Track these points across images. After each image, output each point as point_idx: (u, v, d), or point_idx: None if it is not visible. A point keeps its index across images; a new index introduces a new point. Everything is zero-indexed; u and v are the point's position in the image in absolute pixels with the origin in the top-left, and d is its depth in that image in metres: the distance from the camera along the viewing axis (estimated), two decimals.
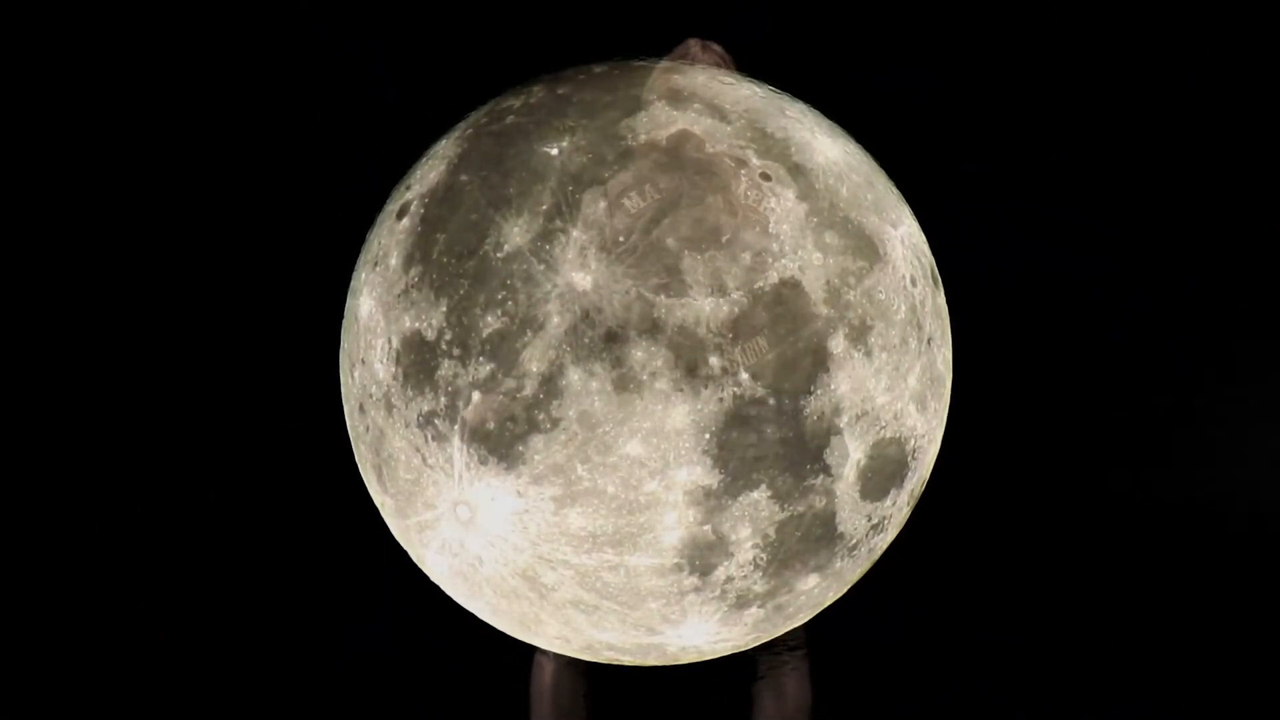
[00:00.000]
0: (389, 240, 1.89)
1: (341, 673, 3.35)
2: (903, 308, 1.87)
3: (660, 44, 2.30)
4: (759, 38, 3.33)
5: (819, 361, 1.77)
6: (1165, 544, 3.70)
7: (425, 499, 1.85)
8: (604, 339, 1.71)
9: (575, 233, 1.73)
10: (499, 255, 1.75)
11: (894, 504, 1.94)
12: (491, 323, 1.74)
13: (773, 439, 1.75)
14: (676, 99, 1.86)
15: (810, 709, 2.49)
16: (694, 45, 2.33)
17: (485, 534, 1.82)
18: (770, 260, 1.76)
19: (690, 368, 1.72)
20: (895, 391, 1.86)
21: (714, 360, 1.72)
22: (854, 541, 1.90)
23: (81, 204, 3.45)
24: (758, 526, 1.79)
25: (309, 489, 3.48)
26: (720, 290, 1.73)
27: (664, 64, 2.00)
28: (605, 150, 1.79)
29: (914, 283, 1.91)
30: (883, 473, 1.88)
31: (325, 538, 3.49)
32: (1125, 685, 3.30)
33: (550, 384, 1.72)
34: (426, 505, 1.86)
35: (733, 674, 2.43)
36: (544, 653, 2.45)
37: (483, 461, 1.76)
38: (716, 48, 2.35)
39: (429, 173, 1.91)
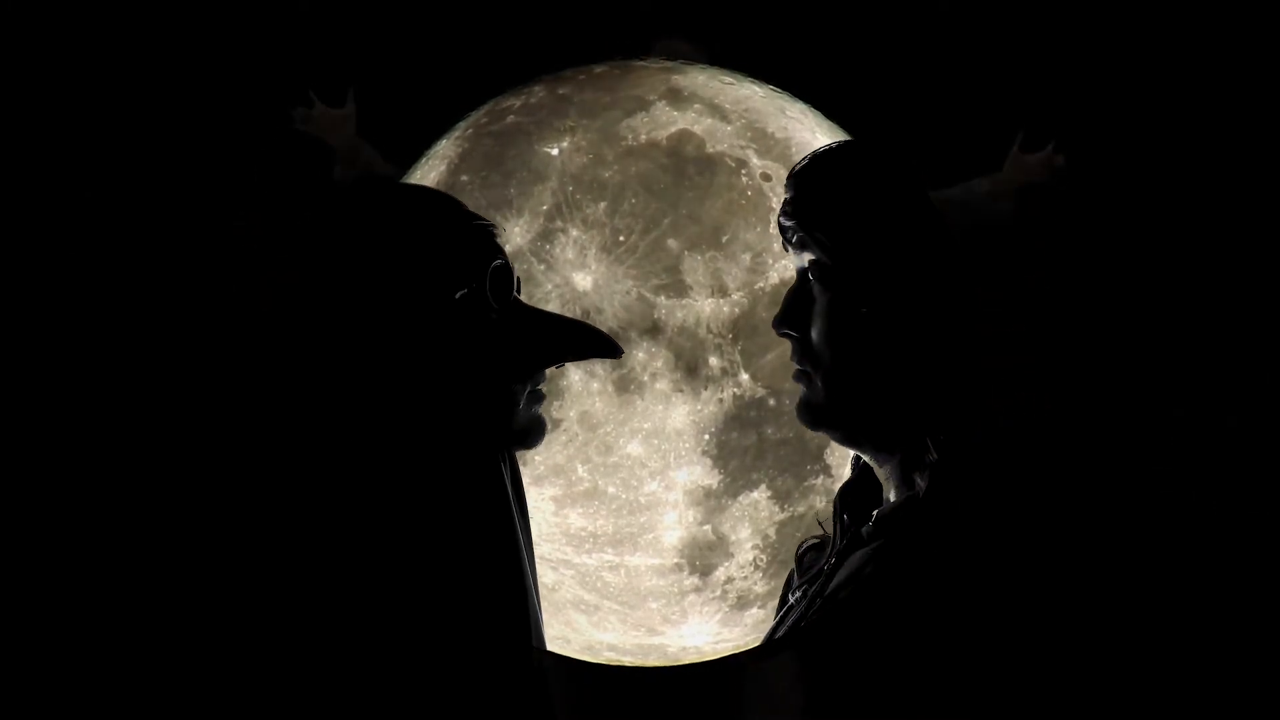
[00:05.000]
0: None
1: None
2: None
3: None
4: (759, 38, 3.32)
5: None
6: (1165, 544, 3.69)
7: None
8: None
9: (575, 233, 1.73)
10: None
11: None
12: None
13: (773, 439, 1.75)
14: (677, 99, 1.86)
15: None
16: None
17: None
18: (770, 260, 1.75)
19: (690, 368, 1.71)
20: None
21: (714, 361, 1.72)
22: None
23: (79, 204, 3.45)
24: (758, 527, 1.79)
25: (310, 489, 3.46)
26: (720, 291, 1.72)
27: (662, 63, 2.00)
28: (605, 150, 1.79)
29: None
30: None
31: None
32: (1125, 684, 3.30)
33: (551, 384, 1.71)
34: None
35: (723, 675, 2.42)
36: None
37: None
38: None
39: (429, 173, 1.91)
